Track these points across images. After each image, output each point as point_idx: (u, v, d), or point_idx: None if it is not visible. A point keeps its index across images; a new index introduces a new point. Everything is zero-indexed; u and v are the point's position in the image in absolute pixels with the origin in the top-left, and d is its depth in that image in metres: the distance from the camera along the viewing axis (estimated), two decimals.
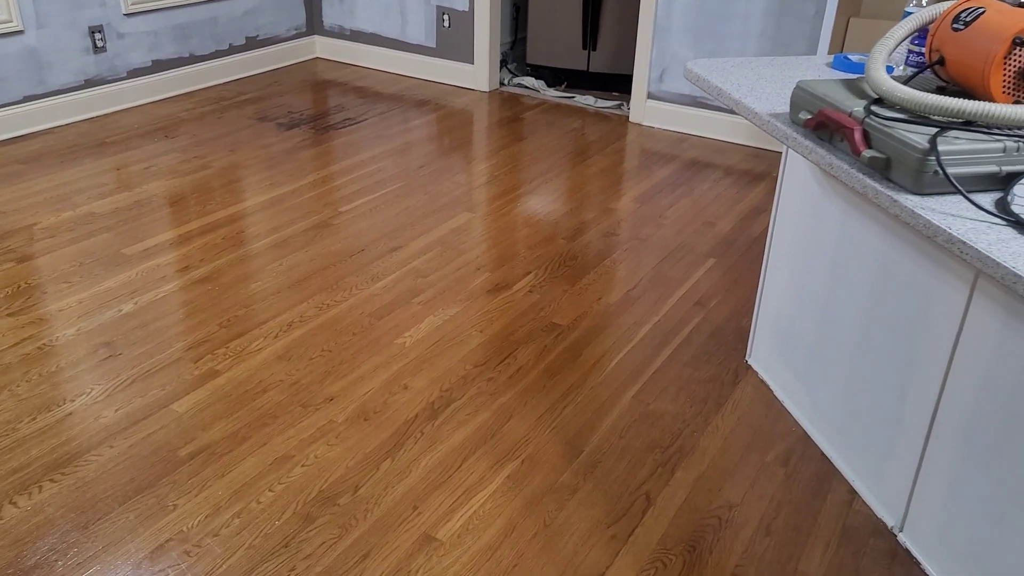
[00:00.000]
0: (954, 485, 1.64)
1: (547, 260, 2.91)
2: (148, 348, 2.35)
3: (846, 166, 1.40)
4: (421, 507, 1.83)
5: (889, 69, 1.78)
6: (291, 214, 3.18)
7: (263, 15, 4.84)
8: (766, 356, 2.29)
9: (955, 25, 1.39)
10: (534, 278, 2.78)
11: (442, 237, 3.04)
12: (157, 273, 2.73)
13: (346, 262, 2.85)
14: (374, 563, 1.69)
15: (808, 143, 1.51)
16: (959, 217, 1.22)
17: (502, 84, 4.84)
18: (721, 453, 2.02)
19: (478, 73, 4.71)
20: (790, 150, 2.07)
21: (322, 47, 5.19)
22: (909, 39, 1.73)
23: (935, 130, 1.30)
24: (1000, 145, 1.27)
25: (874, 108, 1.40)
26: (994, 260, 1.12)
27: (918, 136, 1.29)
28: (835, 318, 1.98)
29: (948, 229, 1.19)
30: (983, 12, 1.36)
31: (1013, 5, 1.34)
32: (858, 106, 1.43)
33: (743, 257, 2.97)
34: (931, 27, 1.46)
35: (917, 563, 1.73)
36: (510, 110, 4.46)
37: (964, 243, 1.17)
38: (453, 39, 4.72)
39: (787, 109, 1.67)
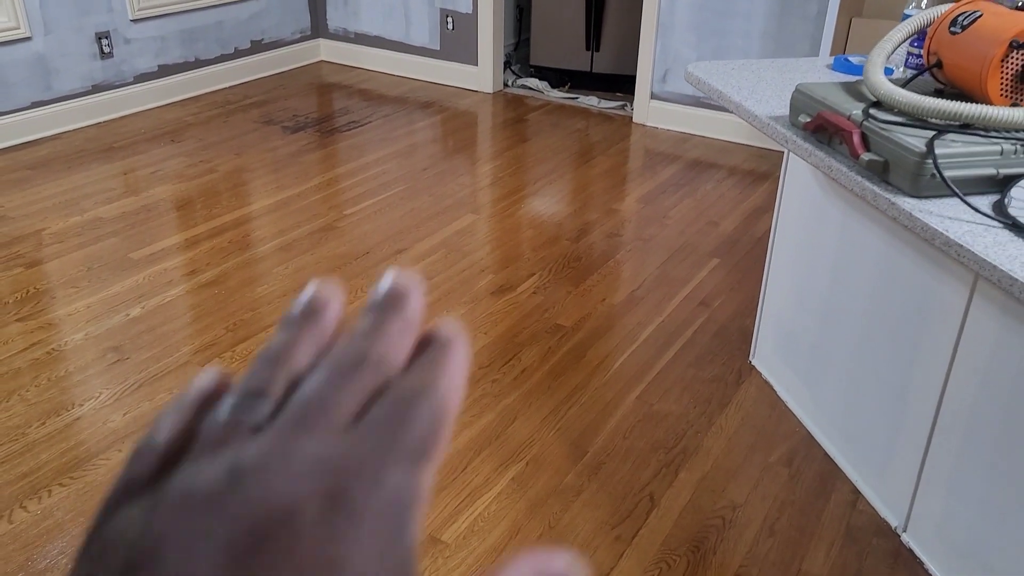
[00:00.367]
0: (956, 485, 1.65)
1: (551, 261, 2.92)
2: (156, 352, 2.37)
3: (845, 169, 1.41)
4: (426, 509, 1.84)
5: (889, 71, 1.79)
6: (297, 217, 3.20)
7: (268, 19, 4.86)
8: (769, 356, 2.30)
9: (952, 29, 1.40)
10: (538, 279, 2.80)
11: (447, 239, 3.06)
12: (164, 277, 2.76)
13: (351, 265, 2.87)
14: None
15: (807, 146, 1.52)
16: (957, 220, 1.23)
17: (506, 85, 4.85)
18: (725, 454, 2.03)
19: (482, 75, 4.73)
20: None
21: (326, 50, 5.22)
22: (908, 41, 1.73)
23: (932, 133, 1.31)
24: (997, 148, 1.28)
25: (872, 111, 1.41)
26: (991, 263, 1.13)
27: (916, 139, 1.30)
28: (837, 318, 1.99)
29: (945, 232, 1.20)
30: (980, 16, 1.37)
31: (1010, 8, 1.35)
32: (857, 109, 1.44)
33: (747, 257, 2.97)
34: (929, 30, 1.47)
35: (921, 563, 1.74)
36: (514, 111, 4.47)
37: (961, 246, 1.17)
38: (457, 41, 4.74)
39: (787, 112, 1.67)
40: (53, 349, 2.37)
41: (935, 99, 1.32)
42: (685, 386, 2.28)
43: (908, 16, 1.72)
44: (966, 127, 1.32)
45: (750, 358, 2.40)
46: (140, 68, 4.26)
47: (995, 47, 1.31)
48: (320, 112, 4.37)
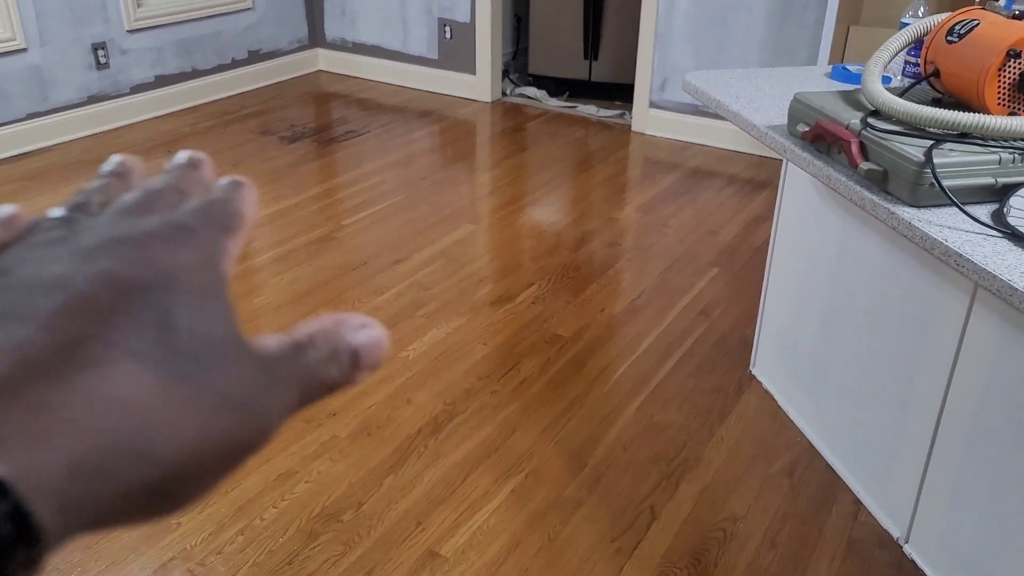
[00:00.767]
0: (959, 495, 1.63)
1: (550, 271, 2.91)
2: None
3: (844, 178, 1.41)
4: (425, 523, 1.83)
5: (886, 80, 1.78)
6: (294, 227, 3.19)
7: (265, 29, 4.86)
8: (770, 366, 2.29)
9: (949, 38, 1.40)
10: (537, 289, 2.79)
11: (445, 249, 3.05)
12: None
13: (349, 275, 2.86)
14: None
15: (806, 155, 1.51)
16: (955, 229, 1.22)
17: (504, 95, 4.85)
18: (726, 465, 2.02)
19: (480, 84, 4.73)
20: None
21: (324, 60, 5.22)
22: (906, 50, 1.73)
23: (931, 142, 1.30)
24: (995, 157, 1.27)
25: (871, 120, 1.40)
26: (990, 273, 1.12)
27: (914, 148, 1.29)
28: (837, 328, 1.97)
29: (945, 242, 1.19)
30: (977, 24, 1.36)
31: (1008, 17, 1.34)
32: (855, 118, 1.43)
33: (746, 266, 2.96)
34: (926, 39, 1.46)
35: (923, 574, 1.72)
36: (512, 120, 4.47)
37: (961, 255, 1.16)
38: (455, 50, 4.74)
39: (785, 121, 1.67)
40: None
41: (933, 108, 1.32)
42: (685, 397, 2.26)
43: (905, 24, 1.72)
44: (964, 136, 1.31)
45: (750, 368, 2.38)
46: (136, 79, 4.26)
47: (992, 56, 1.30)
48: (318, 122, 4.37)
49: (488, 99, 4.74)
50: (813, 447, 2.08)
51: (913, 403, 1.73)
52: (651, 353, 2.45)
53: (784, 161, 2.13)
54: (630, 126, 4.37)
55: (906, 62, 1.76)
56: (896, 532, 1.82)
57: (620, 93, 4.80)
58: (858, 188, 1.37)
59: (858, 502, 1.91)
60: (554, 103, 4.71)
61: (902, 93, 1.48)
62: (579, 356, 2.43)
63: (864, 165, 1.34)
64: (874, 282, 1.82)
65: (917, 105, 1.34)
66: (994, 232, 1.21)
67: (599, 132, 4.31)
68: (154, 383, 0.22)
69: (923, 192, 1.27)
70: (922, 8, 1.76)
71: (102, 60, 4.07)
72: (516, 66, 5.29)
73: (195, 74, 4.54)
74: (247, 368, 0.25)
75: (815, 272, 2.04)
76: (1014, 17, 1.34)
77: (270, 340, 0.26)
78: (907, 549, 1.78)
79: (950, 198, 1.25)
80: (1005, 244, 1.18)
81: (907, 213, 1.27)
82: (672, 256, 3.03)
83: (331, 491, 1.91)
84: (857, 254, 1.87)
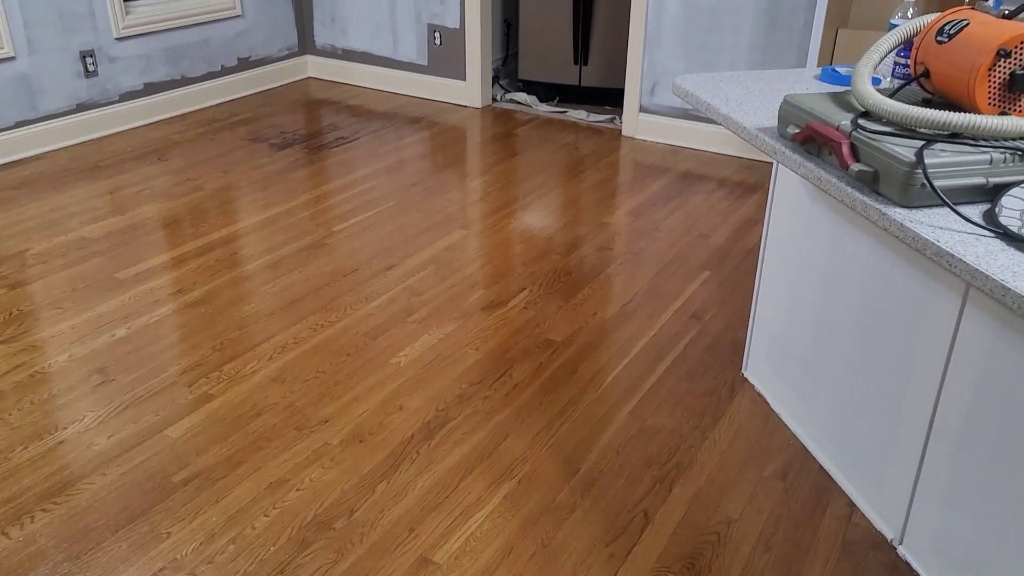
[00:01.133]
0: (952, 496, 1.63)
1: (542, 276, 2.90)
2: (141, 373, 2.34)
3: (835, 180, 1.40)
4: (418, 529, 1.81)
5: (876, 81, 1.78)
6: (284, 235, 3.18)
7: (255, 36, 4.85)
8: (762, 369, 2.29)
9: (939, 38, 1.40)
10: (529, 294, 2.78)
11: (436, 255, 3.04)
12: (150, 297, 2.73)
13: (340, 282, 2.84)
14: None
15: (797, 157, 1.51)
16: (947, 230, 1.22)
17: (494, 100, 4.85)
18: (719, 468, 2.01)
19: (470, 90, 4.73)
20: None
21: (314, 67, 5.21)
22: (895, 51, 1.73)
23: (922, 143, 1.30)
24: (987, 157, 1.27)
25: (861, 121, 1.40)
26: (983, 273, 1.12)
27: (905, 149, 1.29)
28: (829, 330, 1.97)
29: (937, 242, 1.19)
30: (967, 24, 1.36)
31: (997, 17, 1.35)
32: (845, 120, 1.43)
33: (738, 269, 2.96)
34: (915, 40, 1.46)
35: (917, 575, 1.72)
36: (503, 126, 4.47)
37: (953, 256, 1.16)
38: (445, 56, 4.74)
39: (775, 123, 1.67)
40: (37, 371, 2.34)
41: (924, 109, 1.32)
42: (678, 400, 2.26)
43: (895, 26, 1.72)
44: (955, 136, 1.31)
45: (742, 371, 2.38)
46: (125, 86, 4.24)
47: (982, 56, 1.31)
48: (308, 129, 4.36)
49: (478, 105, 4.74)
50: (806, 449, 2.08)
51: (906, 404, 1.73)
52: (643, 357, 2.45)
53: (775, 164, 2.14)
54: (620, 131, 4.38)
55: (895, 63, 1.76)
56: (890, 534, 1.81)
57: (610, 98, 4.81)
58: (849, 189, 1.37)
59: (852, 504, 1.90)
60: (544, 108, 4.71)
61: (892, 94, 1.49)
62: (571, 361, 2.43)
63: (855, 166, 1.34)
64: (865, 284, 1.82)
65: (908, 105, 1.34)
66: (986, 232, 1.21)
67: (589, 137, 4.32)
68: None
69: (914, 193, 1.27)
70: (911, 9, 1.77)
71: (90, 68, 4.05)
72: (506, 72, 5.30)
73: (184, 81, 4.52)
74: None
75: (806, 274, 2.04)
76: (1003, 16, 1.34)
77: None
78: (901, 551, 1.78)
79: (942, 198, 1.25)
80: (997, 244, 1.18)
81: (899, 214, 1.27)
82: (663, 260, 3.03)
83: (323, 499, 1.90)
84: (848, 256, 1.87)
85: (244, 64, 4.82)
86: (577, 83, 4.76)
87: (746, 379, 2.35)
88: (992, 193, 1.28)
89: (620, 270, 2.96)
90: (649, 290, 2.82)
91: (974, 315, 1.52)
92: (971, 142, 1.30)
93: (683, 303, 2.74)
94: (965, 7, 1.44)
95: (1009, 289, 1.08)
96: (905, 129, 1.36)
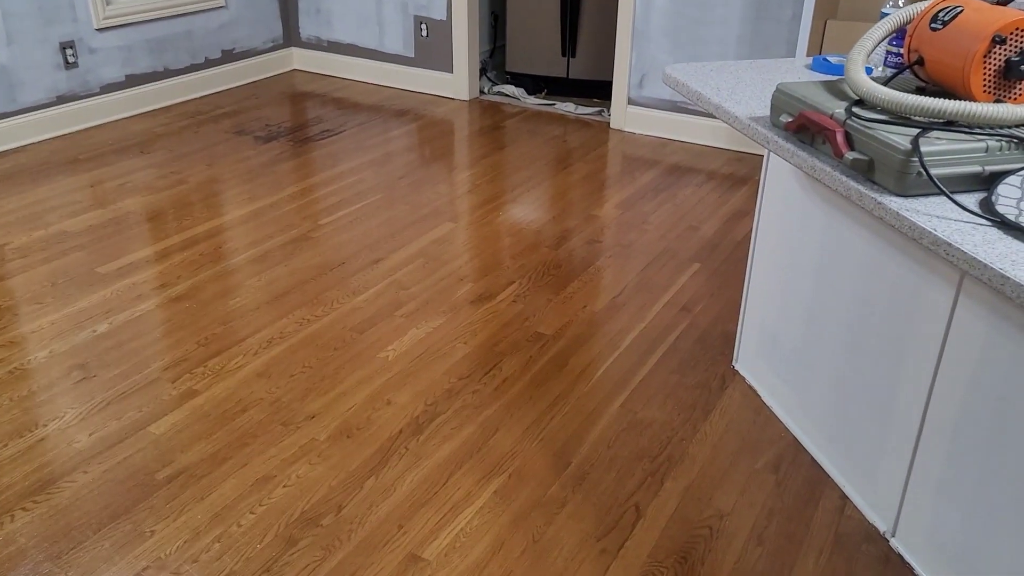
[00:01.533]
0: (945, 488, 1.62)
1: (531, 269, 2.88)
2: (124, 369, 2.30)
3: (829, 168, 1.39)
4: (406, 526, 1.79)
5: (868, 70, 1.76)
6: (270, 228, 3.14)
7: (239, 28, 4.79)
8: (753, 361, 2.27)
9: (933, 25, 1.38)
10: (518, 287, 2.76)
11: (424, 248, 3.01)
12: (133, 292, 2.68)
13: (326, 276, 2.81)
14: None
15: (789, 146, 1.49)
16: (944, 218, 1.21)
17: (482, 93, 4.82)
18: (710, 461, 2.00)
19: (457, 82, 4.69)
20: (772, 153, 2.05)
21: (299, 59, 5.16)
22: (887, 40, 1.71)
23: (917, 131, 1.28)
24: (982, 145, 1.26)
25: (855, 110, 1.38)
26: (980, 261, 1.10)
27: (900, 137, 1.27)
28: (821, 321, 1.96)
29: (933, 231, 1.17)
30: (961, 11, 1.35)
31: (992, 3, 1.33)
32: (839, 108, 1.41)
33: (727, 261, 2.95)
34: (909, 27, 1.45)
35: (910, 568, 1.71)
36: (490, 118, 4.44)
37: (950, 244, 1.15)
38: (431, 48, 4.70)
39: (767, 112, 1.65)
40: (16, 368, 2.29)
41: (918, 96, 1.30)
42: (669, 393, 2.24)
43: (886, 15, 1.71)
44: (950, 124, 1.30)
45: (733, 363, 2.37)
46: (106, 78, 4.17)
47: (977, 42, 1.29)
48: (293, 121, 4.31)
49: (466, 97, 4.70)
50: (798, 442, 2.06)
51: (899, 396, 1.72)
52: (633, 350, 2.43)
53: (766, 154, 2.12)
54: (609, 123, 4.35)
55: (888, 52, 1.75)
56: (883, 526, 1.80)
57: (598, 90, 4.78)
58: (843, 178, 1.35)
59: (844, 497, 1.89)
60: (532, 101, 4.68)
61: (886, 82, 1.47)
62: (561, 354, 2.40)
63: (849, 155, 1.32)
64: (858, 274, 1.80)
65: (903, 93, 1.32)
66: (983, 220, 1.20)
67: (578, 129, 4.29)
68: None
69: (910, 181, 1.25)
70: None
71: (70, 59, 3.99)
72: (493, 64, 5.26)
73: (167, 74, 4.46)
74: None
75: (798, 265, 2.02)
76: (998, 3, 1.33)
77: None
78: (894, 543, 1.77)
79: (938, 186, 1.23)
80: (994, 232, 1.17)
81: (894, 203, 1.26)
82: (653, 252, 3.01)
83: (310, 495, 1.87)
84: (840, 246, 1.85)
85: (228, 56, 4.76)
86: (565, 75, 4.73)
87: (737, 371, 2.33)
88: (988, 181, 1.27)
89: (610, 263, 2.93)
90: (639, 283, 2.80)
91: (968, 305, 1.50)
92: (967, 130, 1.29)
93: (673, 295, 2.72)
94: None
95: (1008, 278, 1.06)
96: (900, 117, 1.34)
